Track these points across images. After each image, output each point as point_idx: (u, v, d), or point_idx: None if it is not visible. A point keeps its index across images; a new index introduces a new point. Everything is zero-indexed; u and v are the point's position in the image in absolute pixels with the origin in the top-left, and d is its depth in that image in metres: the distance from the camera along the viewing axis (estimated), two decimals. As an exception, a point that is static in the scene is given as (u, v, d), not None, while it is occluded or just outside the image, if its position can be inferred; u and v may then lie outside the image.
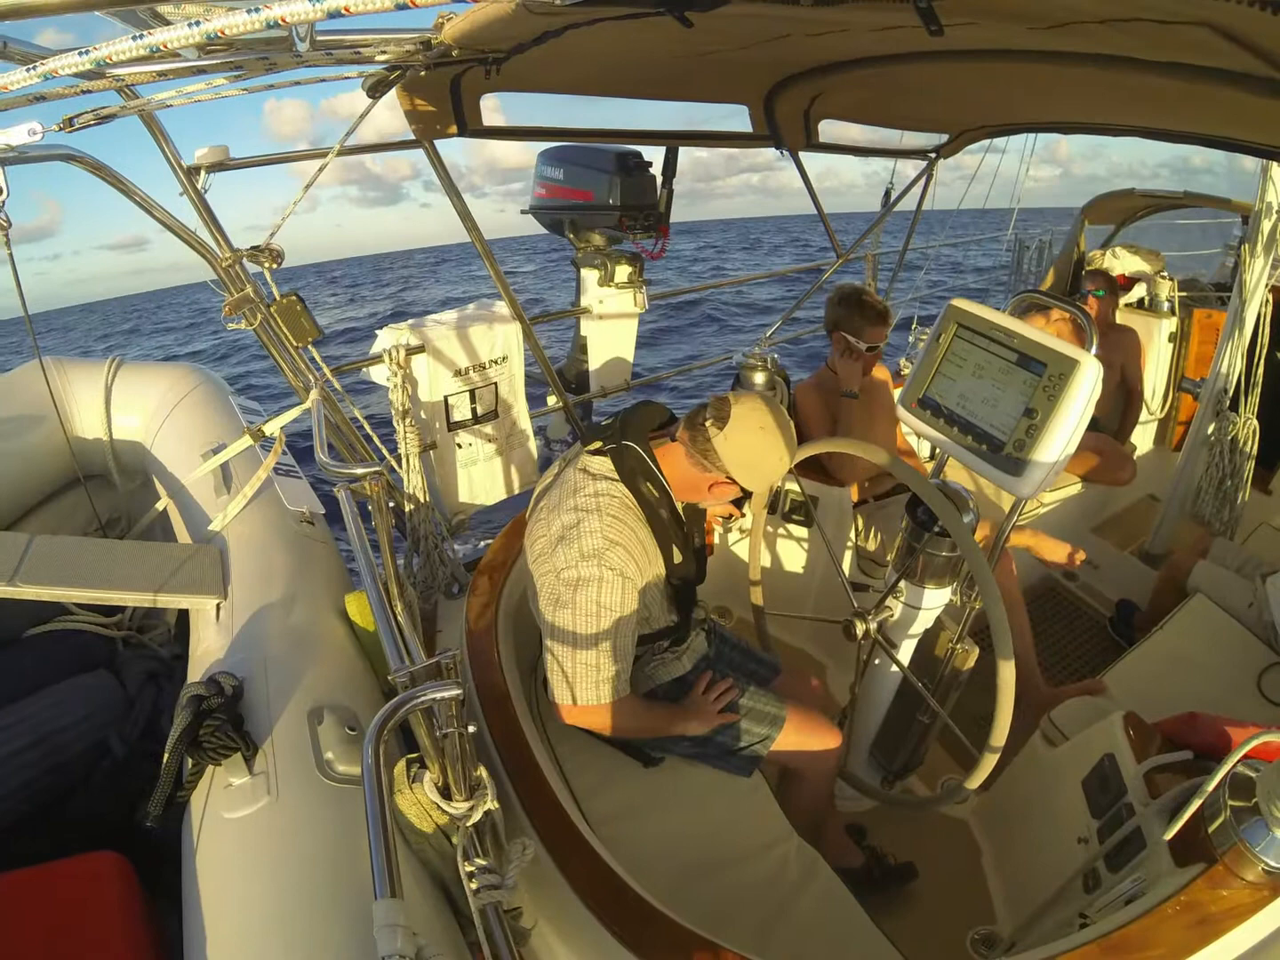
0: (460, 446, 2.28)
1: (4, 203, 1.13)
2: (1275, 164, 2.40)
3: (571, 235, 2.60)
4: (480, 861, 0.97)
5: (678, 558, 1.48)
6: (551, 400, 2.65)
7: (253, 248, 1.65)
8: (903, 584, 1.69)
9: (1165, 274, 3.75)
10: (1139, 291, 3.80)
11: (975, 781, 1.45)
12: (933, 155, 2.97)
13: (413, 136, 1.82)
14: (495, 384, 2.28)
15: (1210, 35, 0.88)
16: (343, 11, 0.60)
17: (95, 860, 1.12)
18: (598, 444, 1.46)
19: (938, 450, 1.60)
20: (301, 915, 0.94)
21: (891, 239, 3.65)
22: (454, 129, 1.81)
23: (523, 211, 2.68)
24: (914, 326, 3.99)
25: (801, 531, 2.61)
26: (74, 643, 1.68)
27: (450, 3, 0.82)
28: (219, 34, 0.62)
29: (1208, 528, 2.92)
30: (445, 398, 2.17)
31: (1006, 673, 1.32)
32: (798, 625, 2.70)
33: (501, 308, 2.30)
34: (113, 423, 2.16)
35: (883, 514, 2.46)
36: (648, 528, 1.43)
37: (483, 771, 1.05)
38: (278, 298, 1.72)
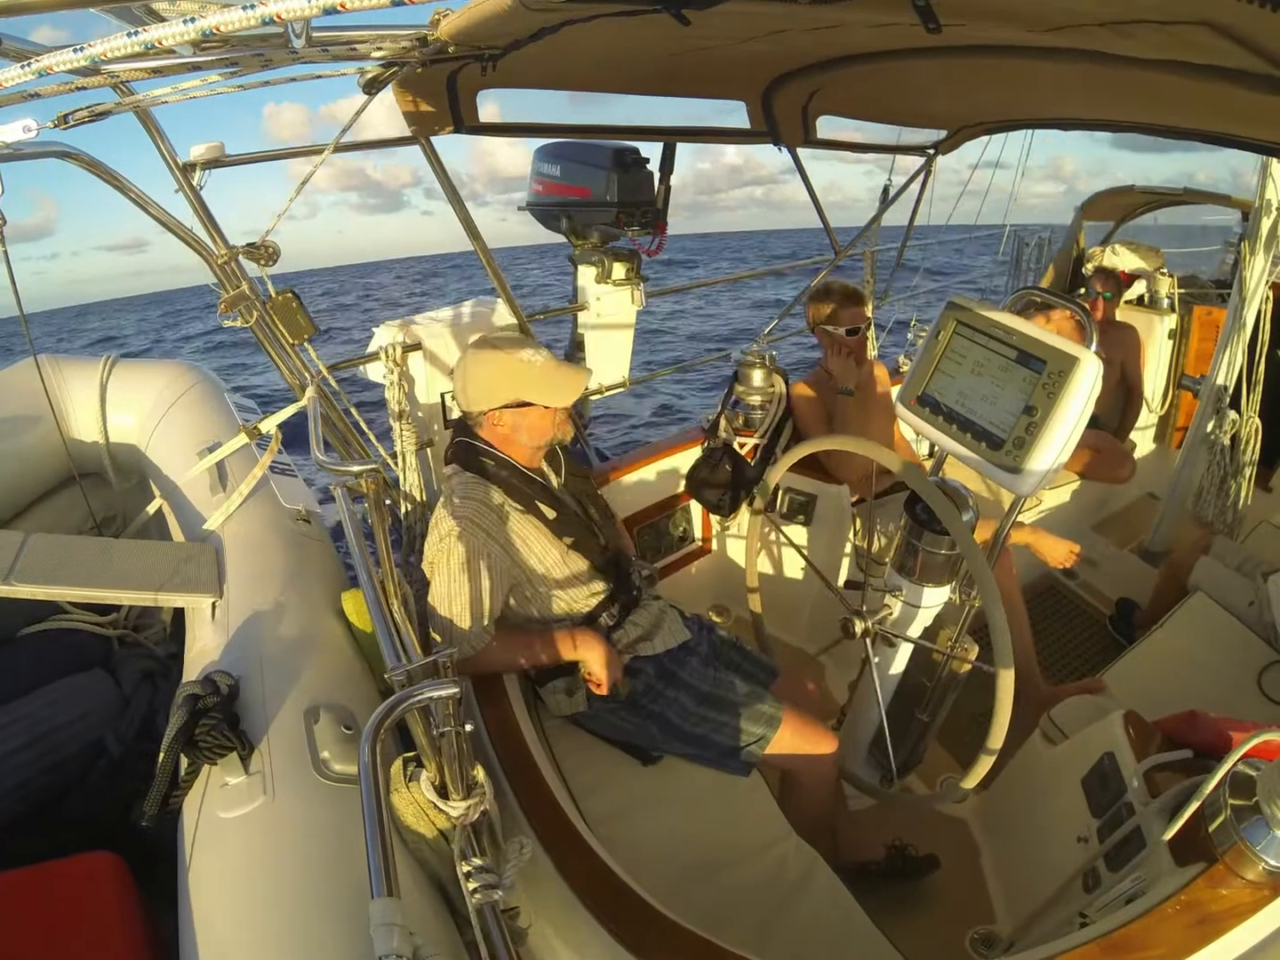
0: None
1: None
2: (1275, 161, 2.39)
3: (569, 232, 2.59)
4: (477, 861, 0.97)
5: (550, 514, 1.60)
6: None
7: (248, 244, 1.64)
8: (902, 582, 1.68)
9: (1165, 270, 3.74)
10: (1139, 288, 3.79)
11: (972, 781, 1.45)
12: (931, 152, 2.96)
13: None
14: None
15: (1209, 34, 0.88)
16: (338, 8, 0.60)
17: (91, 860, 1.12)
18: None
19: (936, 448, 1.60)
20: (298, 915, 0.93)
21: (893, 242, 3.66)
22: (450, 126, 1.80)
23: (519, 208, 2.67)
24: (913, 323, 3.99)
25: (800, 530, 2.60)
26: (69, 642, 1.68)
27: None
28: (214, 30, 0.61)
29: (1208, 527, 2.92)
30: (442, 395, 2.17)
31: (1005, 674, 1.32)
32: (796, 624, 2.70)
33: (499, 305, 2.29)
34: (108, 420, 2.16)
35: (881, 512, 2.45)
36: (504, 494, 1.56)
37: (480, 770, 1.04)
38: (273, 295, 1.71)
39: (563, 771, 1.59)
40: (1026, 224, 5.85)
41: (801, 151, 2.57)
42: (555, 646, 1.58)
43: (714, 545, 2.87)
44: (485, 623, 1.51)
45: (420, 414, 2.15)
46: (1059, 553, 2.38)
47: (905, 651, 1.81)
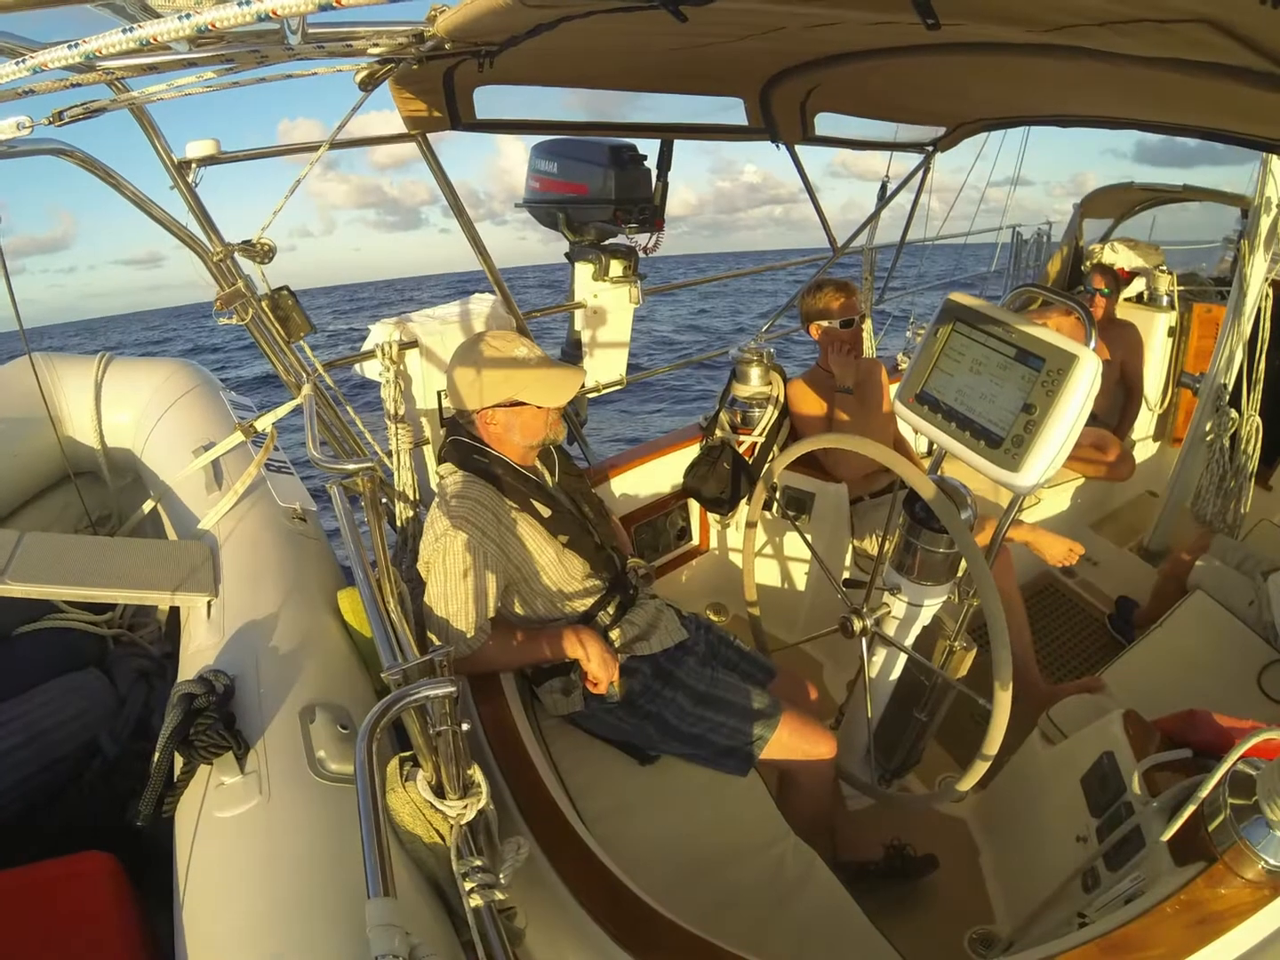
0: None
1: None
2: (1275, 158, 2.39)
3: (566, 229, 2.58)
4: (474, 861, 0.96)
5: (544, 512, 1.60)
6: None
7: (244, 242, 1.63)
8: (900, 581, 1.68)
9: (1164, 268, 3.73)
10: (1138, 285, 3.78)
11: (968, 783, 1.44)
12: (930, 149, 2.95)
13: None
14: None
15: (1210, 32, 0.87)
16: (334, 4, 0.59)
17: (86, 860, 1.11)
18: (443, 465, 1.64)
19: (935, 446, 1.60)
20: (294, 915, 0.93)
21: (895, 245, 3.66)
22: (447, 122, 1.79)
23: (516, 205, 2.66)
24: (911, 321, 3.98)
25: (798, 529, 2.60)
26: (64, 641, 1.67)
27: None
28: (210, 27, 0.61)
29: (1208, 525, 2.91)
30: (438, 393, 2.16)
31: (1004, 674, 1.32)
32: (794, 622, 2.69)
33: (495, 303, 2.28)
34: (103, 419, 2.15)
35: (880, 510, 2.45)
36: (499, 492, 1.56)
37: (476, 770, 1.04)
38: (268, 292, 1.71)
39: (559, 771, 1.58)
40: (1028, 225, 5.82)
41: (807, 151, 2.57)
42: (552, 645, 1.58)
43: (712, 544, 2.87)
44: (481, 622, 1.51)
45: (416, 412, 2.14)
46: (1058, 551, 2.37)
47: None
